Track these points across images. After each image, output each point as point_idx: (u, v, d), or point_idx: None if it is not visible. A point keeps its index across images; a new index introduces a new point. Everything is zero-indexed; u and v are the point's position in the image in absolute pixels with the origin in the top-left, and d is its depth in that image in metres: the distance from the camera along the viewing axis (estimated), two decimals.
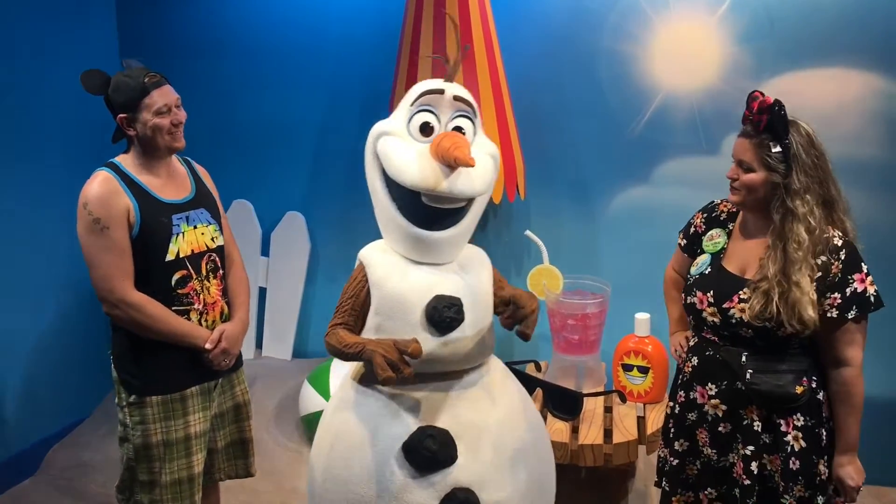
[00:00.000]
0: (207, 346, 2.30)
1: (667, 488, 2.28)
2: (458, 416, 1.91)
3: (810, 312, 1.95)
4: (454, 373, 1.96)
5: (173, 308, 2.28)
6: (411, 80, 3.35)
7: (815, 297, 1.97)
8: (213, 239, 2.41)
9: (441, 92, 1.94)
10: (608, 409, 2.86)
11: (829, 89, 3.33)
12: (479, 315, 1.96)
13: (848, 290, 1.99)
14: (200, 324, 2.34)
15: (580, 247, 3.73)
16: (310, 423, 3.47)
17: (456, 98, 1.94)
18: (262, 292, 4.22)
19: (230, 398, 2.50)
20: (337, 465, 1.93)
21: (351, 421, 1.95)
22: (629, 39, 3.58)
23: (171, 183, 2.37)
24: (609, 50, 3.61)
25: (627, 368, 2.89)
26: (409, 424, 1.89)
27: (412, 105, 1.94)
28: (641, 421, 2.75)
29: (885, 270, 2.07)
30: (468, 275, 1.99)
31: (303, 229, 4.13)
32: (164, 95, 2.30)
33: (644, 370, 2.85)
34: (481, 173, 1.89)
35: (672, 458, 2.26)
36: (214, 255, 2.41)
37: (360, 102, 4.01)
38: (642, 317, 2.89)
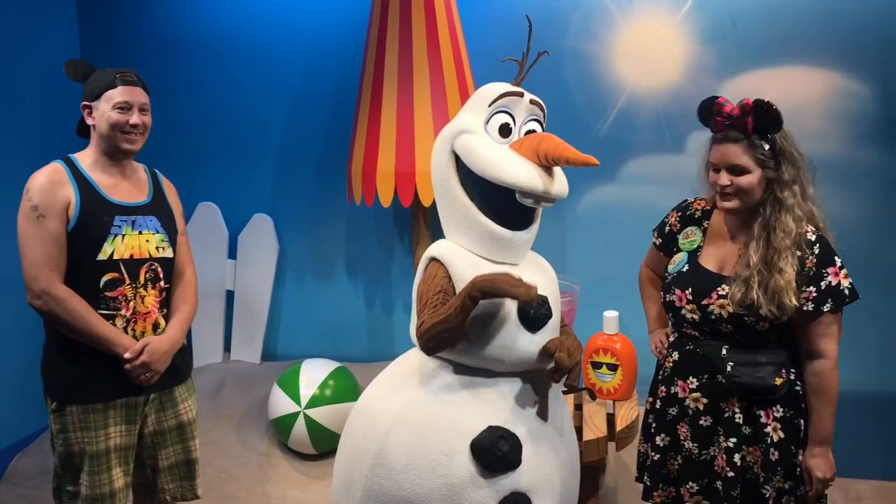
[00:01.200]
0: (127, 355, 2.21)
1: (648, 483, 2.30)
2: (525, 419, 1.91)
3: (790, 299, 2.00)
4: (524, 374, 1.96)
5: (99, 310, 2.21)
6: (378, 80, 3.35)
7: (794, 285, 2.01)
8: (158, 248, 2.34)
9: (521, 95, 1.95)
10: (578, 407, 2.87)
11: (791, 88, 3.39)
12: (556, 316, 1.98)
13: (823, 284, 2.04)
14: (127, 332, 2.26)
15: (549, 246, 3.72)
16: (279, 426, 3.45)
17: (532, 102, 1.97)
18: (230, 295, 4.18)
19: (173, 416, 2.40)
20: (396, 450, 1.88)
21: (419, 404, 1.92)
22: (594, 39, 3.61)
23: (124, 185, 2.32)
24: (574, 49, 3.63)
25: (597, 366, 2.90)
26: (478, 420, 1.86)
27: (490, 106, 1.93)
28: (611, 418, 2.77)
29: (847, 266, 2.12)
30: (543, 276, 2.02)
31: (270, 231, 4.10)
32: (130, 94, 2.27)
33: (613, 367, 2.87)
34: (563, 175, 1.94)
35: (653, 454, 2.28)
36: (157, 265, 2.34)
37: (327, 104, 3.99)
38: (611, 315, 2.91)
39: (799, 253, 2.05)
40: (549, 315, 1.90)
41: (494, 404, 1.89)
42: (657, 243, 2.40)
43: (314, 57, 3.97)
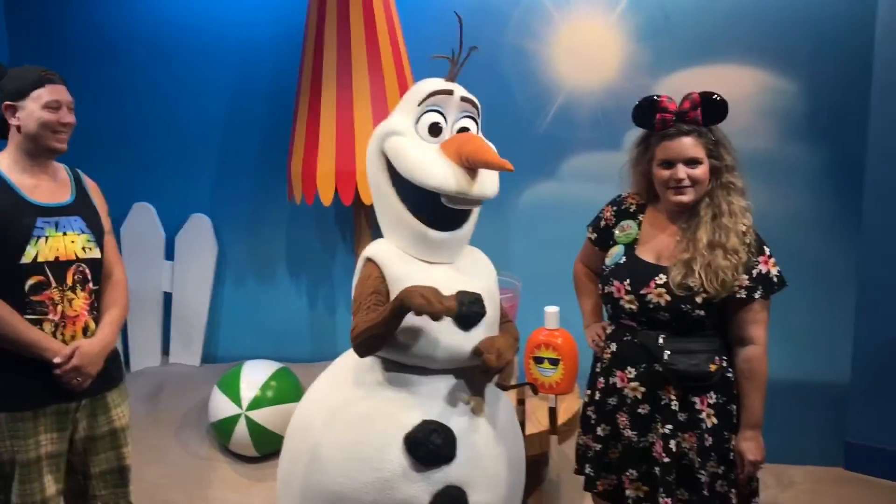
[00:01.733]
0: (57, 360, 2.14)
1: (591, 473, 2.34)
2: (460, 414, 1.92)
3: (732, 274, 2.07)
4: (460, 370, 1.96)
5: (25, 315, 2.14)
6: (316, 79, 3.32)
7: (744, 260, 2.09)
8: (84, 249, 2.28)
9: (450, 93, 1.94)
10: (521, 402, 2.90)
11: (722, 85, 3.39)
12: (492, 312, 1.98)
13: (754, 272, 2.11)
14: (56, 336, 2.19)
15: (489, 242, 3.73)
16: (220, 430, 3.40)
17: (463, 99, 1.96)
18: (168, 297, 4.10)
19: (105, 422, 2.34)
20: (331, 445, 1.88)
21: (354, 400, 1.92)
22: (533, 37, 3.65)
23: (46, 186, 2.25)
24: (513, 47, 3.66)
25: (539, 361, 2.93)
26: (413, 415, 1.87)
27: (420, 105, 1.93)
28: (553, 412, 2.81)
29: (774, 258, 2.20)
30: (480, 273, 2.02)
31: (209, 231, 4.04)
32: (58, 92, 2.20)
33: (555, 362, 2.90)
34: (494, 175, 1.93)
35: (595, 444, 2.32)
36: (84, 266, 2.27)
37: (266, 101, 3.94)
38: (552, 310, 2.94)
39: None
40: (481, 313, 1.91)
41: (429, 399, 1.91)
42: (592, 238, 2.44)
43: (252, 54, 3.92)
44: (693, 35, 3.50)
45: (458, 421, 1.91)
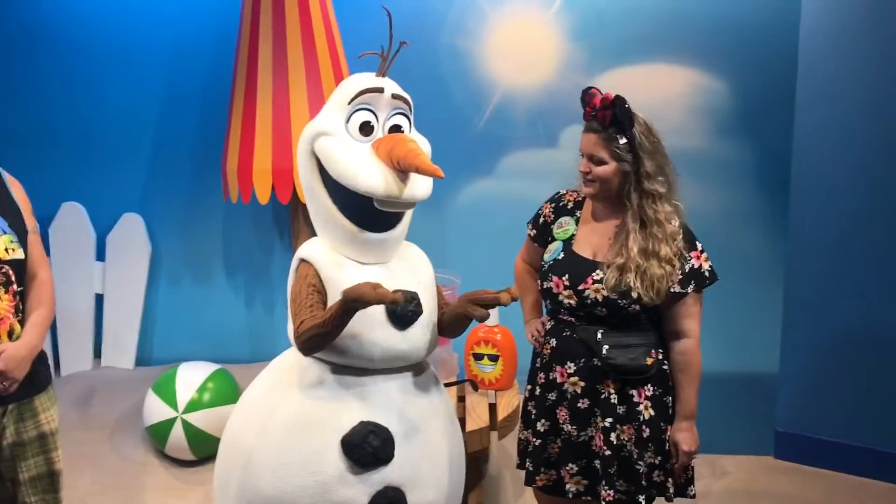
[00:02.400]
0: None
1: (531, 468, 2.36)
2: (399, 415, 1.91)
3: (666, 284, 2.12)
4: (397, 369, 1.95)
5: None
6: (252, 74, 3.28)
7: (675, 269, 2.13)
8: (7, 250, 2.18)
9: (381, 90, 1.91)
10: (461, 399, 2.91)
11: (655, 84, 3.55)
12: (430, 309, 1.98)
13: (686, 267, 2.16)
14: None
15: (429, 240, 3.71)
16: (156, 433, 3.32)
17: (395, 96, 1.93)
18: (100, 299, 4.00)
19: (33, 427, 2.26)
20: (268, 449, 1.86)
21: (289, 403, 1.90)
22: (468, 36, 3.67)
23: None
24: (450, 46, 3.68)
25: (478, 357, 2.95)
26: (350, 417, 1.85)
27: (350, 103, 1.90)
28: (493, 408, 2.82)
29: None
30: (416, 271, 2.01)
31: (141, 231, 3.94)
32: None
33: (494, 358, 2.92)
34: (426, 177, 1.90)
35: (535, 439, 2.34)
36: (7, 267, 2.18)
37: (199, 96, 3.87)
38: None
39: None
40: (418, 312, 1.91)
41: (367, 400, 1.90)
42: (532, 235, 2.47)
43: (184, 49, 3.84)
44: (626, 35, 3.57)
45: (397, 421, 1.90)
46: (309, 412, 1.88)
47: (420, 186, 1.90)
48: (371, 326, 1.85)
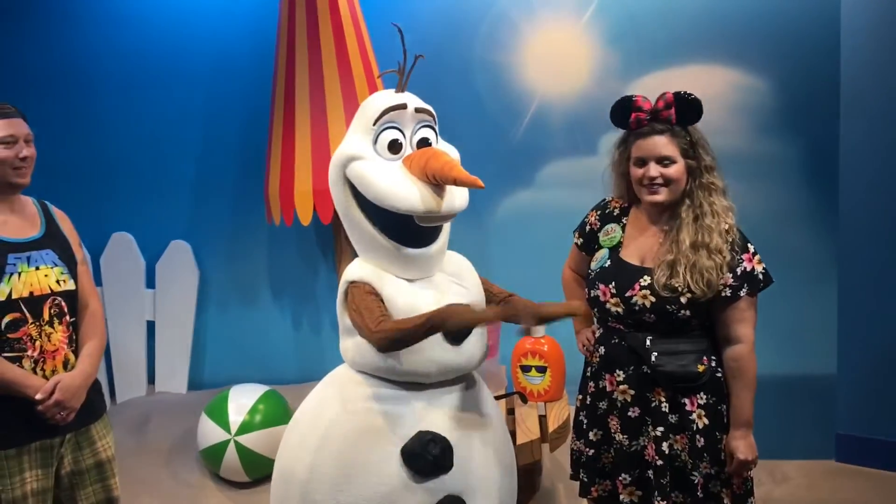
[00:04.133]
0: (39, 396, 2.11)
1: (585, 479, 2.33)
2: (454, 424, 1.91)
3: (717, 274, 2.08)
4: (450, 380, 1.95)
5: (3, 354, 2.11)
6: (289, 98, 3.32)
7: (727, 260, 2.09)
8: (58, 282, 2.24)
9: (404, 107, 1.92)
10: (510, 412, 2.89)
11: (693, 85, 3.44)
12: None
13: (738, 270, 2.11)
14: (36, 372, 2.16)
15: (470, 253, 3.71)
16: (210, 456, 3.36)
17: (418, 110, 1.94)
18: (151, 326, 4.07)
19: (91, 455, 2.31)
20: (327, 463, 1.87)
21: (346, 417, 1.90)
22: (502, 48, 3.67)
23: (13, 222, 2.22)
24: (483, 59, 3.69)
25: (526, 370, 2.93)
26: (409, 427, 1.86)
27: (375, 125, 1.90)
28: (543, 419, 2.80)
29: None
30: (464, 282, 2.01)
31: (189, 257, 4.01)
32: (13, 126, 2.17)
33: (542, 370, 2.90)
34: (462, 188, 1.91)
35: (588, 449, 2.31)
36: (60, 299, 2.24)
37: (240, 123, 3.93)
38: None
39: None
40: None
41: (422, 410, 1.90)
42: (578, 243, 2.44)
43: (224, 77, 3.91)
44: (660, 37, 3.54)
45: (453, 430, 1.90)
46: (366, 424, 1.88)
47: (458, 198, 1.90)
48: (429, 344, 1.84)
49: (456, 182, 1.80)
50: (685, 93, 2.13)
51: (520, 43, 3.67)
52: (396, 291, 1.88)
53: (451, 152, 1.99)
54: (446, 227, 2.00)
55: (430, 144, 1.97)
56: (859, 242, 3.53)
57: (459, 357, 1.91)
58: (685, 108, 2.13)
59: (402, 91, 1.98)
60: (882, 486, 3.44)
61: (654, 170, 2.14)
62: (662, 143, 2.14)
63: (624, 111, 2.20)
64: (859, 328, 3.57)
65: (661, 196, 2.16)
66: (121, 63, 3.99)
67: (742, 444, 2.14)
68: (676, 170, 2.14)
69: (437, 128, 2.02)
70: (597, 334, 2.35)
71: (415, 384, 1.92)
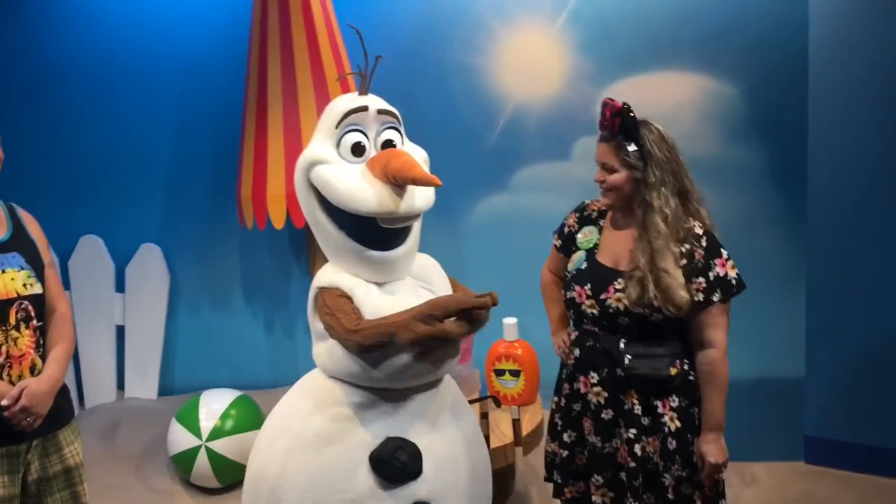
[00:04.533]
0: (4, 402, 2.07)
1: (559, 480, 2.34)
2: (424, 430, 1.90)
3: (682, 294, 2.07)
4: (421, 386, 1.94)
5: None
6: (262, 101, 3.30)
7: (682, 280, 2.09)
8: (25, 285, 2.20)
9: (365, 109, 1.91)
10: (484, 416, 2.89)
11: (666, 92, 3.54)
12: None
13: (711, 275, 2.13)
14: (2, 378, 2.12)
15: (444, 257, 3.72)
16: (181, 462, 3.32)
17: (380, 112, 1.93)
18: (121, 330, 4.02)
19: (58, 461, 2.27)
20: (296, 469, 1.85)
21: (315, 423, 1.89)
22: (477, 52, 3.68)
23: None
24: (458, 62, 3.69)
25: (500, 373, 2.93)
26: (377, 433, 1.85)
27: (337, 127, 1.90)
28: (517, 423, 2.80)
29: None
30: (433, 286, 2.00)
31: (160, 261, 3.97)
32: None
33: (516, 373, 2.90)
34: (425, 188, 1.89)
35: (562, 451, 2.32)
36: (27, 303, 2.20)
37: (212, 126, 3.90)
38: (510, 321, 2.93)
39: (688, 246, 2.13)
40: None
41: (393, 417, 1.89)
42: (557, 245, 2.45)
43: (195, 79, 3.88)
44: (633, 43, 3.56)
45: (423, 436, 1.90)
46: (335, 431, 1.88)
47: (419, 198, 1.89)
48: (399, 352, 1.83)
49: (415, 181, 1.79)
50: (625, 106, 2.12)
51: (495, 47, 3.68)
52: (366, 296, 1.87)
53: (417, 153, 1.99)
54: (415, 229, 1.99)
55: (394, 146, 1.96)
56: (827, 247, 3.58)
57: (431, 364, 1.89)
58: (625, 122, 2.13)
59: (366, 93, 1.97)
60: (850, 488, 3.48)
61: (599, 174, 2.21)
62: (605, 151, 2.18)
63: (600, 111, 2.22)
64: (827, 331, 3.62)
65: (606, 200, 2.23)
66: (92, 63, 3.94)
67: (713, 448, 2.15)
68: (616, 178, 2.16)
69: (402, 129, 2.01)
70: (572, 336, 2.36)
71: (386, 389, 1.90)
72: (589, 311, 2.22)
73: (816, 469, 3.64)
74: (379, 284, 1.93)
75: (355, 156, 1.90)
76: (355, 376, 1.89)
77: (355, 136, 1.91)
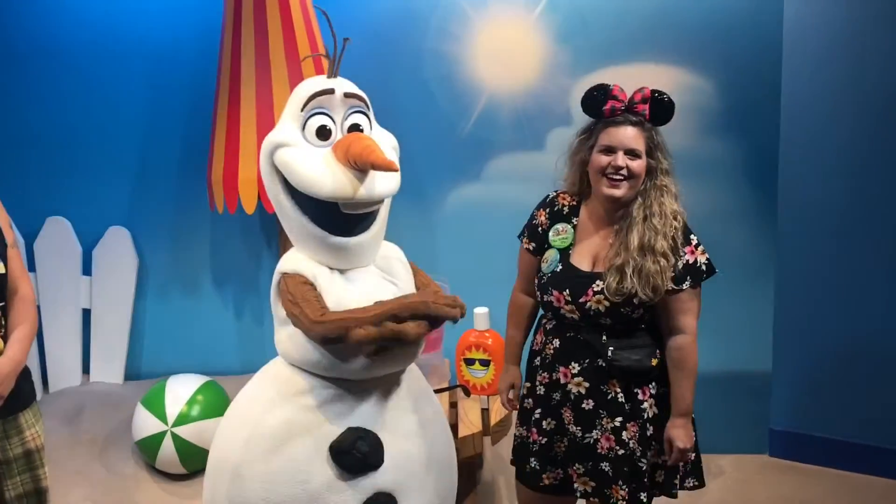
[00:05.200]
0: None
1: (537, 467, 2.33)
2: (387, 420, 1.89)
3: (663, 281, 2.11)
4: (384, 376, 1.92)
5: None
6: (234, 83, 3.26)
7: (670, 265, 2.12)
8: None
9: (331, 91, 1.89)
10: (453, 405, 2.89)
11: (640, 84, 3.49)
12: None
13: (680, 263, 2.15)
14: None
15: (416, 245, 3.73)
16: (146, 448, 3.29)
17: (347, 95, 1.90)
18: (87, 314, 3.96)
19: (19, 444, 2.24)
20: (256, 458, 1.84)
21: (275, 412, 1.87)
22: (453, 40, 3.65)
23: None
24: (434, 51, 3.66)
25: (469, 363, 2.93)
26: (337, 423, 1.84)
27: (303, 110, 1.87)
28: (485, 413, 2.81)
29: None
30: (395, 276, 1.97)
31: (128, 244, 3.91)
32: None
33: (486, 363, 2.91)
34: (389, 174, 1.86)
35: (541, 437, 2.31)
36: None
37: (183, 108, 3.83)
38: (481, 311, 2.94)
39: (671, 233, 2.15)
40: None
41: (354, 407, 1.88)
42: (530, 248, 2.37)
43: (167, 59, 3.81)
44: (610, 35, 3.56)
45: (385, 426, 1.89)
46: (295, 420, 1.86)
47: (380, 184, 1.86)
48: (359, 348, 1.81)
49: (374, 166, 1.77)
50: (662, 92, 2.15)
51: (471, 34, 3.65)
52: (329, 284, 1.86)
53: (385, 139, 1.97)
54: (381, 216, 1.97)
55: (361, 130, 1.93)
56: (796, 242, 3.62)
57: (394, 353, 1.87)
58: (658, 108, 2.15)
59: (334, 76, 1.95)
60: (814, 481, 3.54)
61: (621, 159, 2.13)
62: (633, 135, 2.14)
63: (598, 99, 2.18)
64: (795, 326, 3.66)
65: (621, 191, 2.15)
66: (59, 42, 3.84)
67: (682, 433, 2.18)
68: (639, 165, 2.15)
69: (370, 114, 1.99)
70: (547, 334, 2.34)
71: (348, 380, 1.89)
72: (569, 315, 2.22)
73: (781, 462, 3.70)
74: (342, 271, 1.91)
75: (320, 139, 1.88)
76: (317, 365, 1.87)
77: (321, 120, 1.88)
